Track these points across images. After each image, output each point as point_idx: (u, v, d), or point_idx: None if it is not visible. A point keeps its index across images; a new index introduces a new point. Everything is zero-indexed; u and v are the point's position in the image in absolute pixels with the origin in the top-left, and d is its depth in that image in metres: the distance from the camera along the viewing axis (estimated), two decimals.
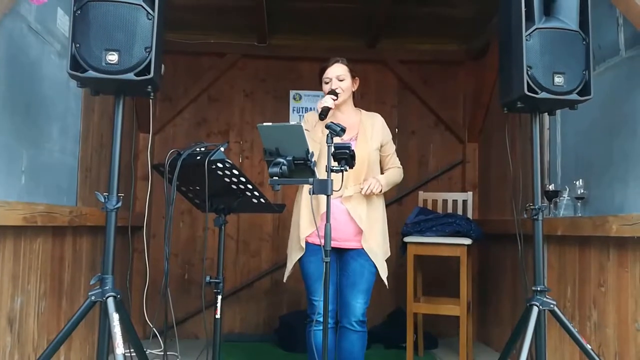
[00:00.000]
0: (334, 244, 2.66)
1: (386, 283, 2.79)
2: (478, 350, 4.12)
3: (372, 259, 2.73)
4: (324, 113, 2.61)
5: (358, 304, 2.72)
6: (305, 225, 2.74)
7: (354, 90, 2.88)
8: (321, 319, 2.20)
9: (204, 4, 4.08)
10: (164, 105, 4.66)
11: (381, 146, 2.87)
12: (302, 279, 2.81)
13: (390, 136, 2.95)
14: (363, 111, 2.94)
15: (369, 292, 2.76)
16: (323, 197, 2.24)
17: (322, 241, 2.16)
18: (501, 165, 4.11)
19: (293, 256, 2.78)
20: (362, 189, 2.69)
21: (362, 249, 2.73)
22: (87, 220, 3.01)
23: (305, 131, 2.12)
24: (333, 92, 2.73)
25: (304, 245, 2.74)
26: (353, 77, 2.85)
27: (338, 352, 2.75)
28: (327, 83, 2.81)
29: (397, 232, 3.96)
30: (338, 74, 2.80)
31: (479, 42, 4.51)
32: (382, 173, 2.90)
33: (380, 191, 2.77)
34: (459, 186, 4.78)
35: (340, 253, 2.77)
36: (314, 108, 4.45)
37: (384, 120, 2.94)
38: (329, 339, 2.61)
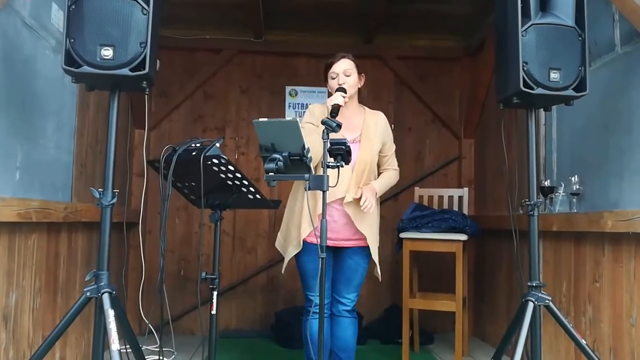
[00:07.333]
0: (331, 243, 2.70)
1: (379, 275, 2.85)
2: (474, 346, 4.14)
3: (372, 255, 2.78)
4: (334, 111, 2.50)
5: (351, 297, 2.81)
6: (305, 225, 2.71)
7: (359, 86, 2.83)
8: (317, 310, 2.22)
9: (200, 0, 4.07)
10: (159, 101, 4.65)
11: (382, 146, 2.85)
12: (298, 275, 2.84)
13: (392, 136, 2.92)
14: (367, 109, 2.89)
15: (361, 285, 2.87)
16: (320, 198, 2.23)
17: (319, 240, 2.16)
18: (497, 161, 4.12)
19: (290, 251, 2.78)
20: (361, 206, 2.64)
21: (358, 247, 2.77)
22: (83, 216, 3.00)
23: (301, 127, 2.10)
24: (342, 89, 2.63)
25: (301, 244, 2.73)
26: (359, 73, 2.81)
27: (332, 340, 2.81)
28: (333, 78, 2.76)
29: (393, 228, 3.96)
30: (345, 68, 2.75)
31: (475, 38, 4.52)
32: (378, 172, 2.89)
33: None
34: (454, 182, 4.78)
35: (337, 250, 2.80)
36: (309, 104, 4.44)
37: (386, 119, 2.91)
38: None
